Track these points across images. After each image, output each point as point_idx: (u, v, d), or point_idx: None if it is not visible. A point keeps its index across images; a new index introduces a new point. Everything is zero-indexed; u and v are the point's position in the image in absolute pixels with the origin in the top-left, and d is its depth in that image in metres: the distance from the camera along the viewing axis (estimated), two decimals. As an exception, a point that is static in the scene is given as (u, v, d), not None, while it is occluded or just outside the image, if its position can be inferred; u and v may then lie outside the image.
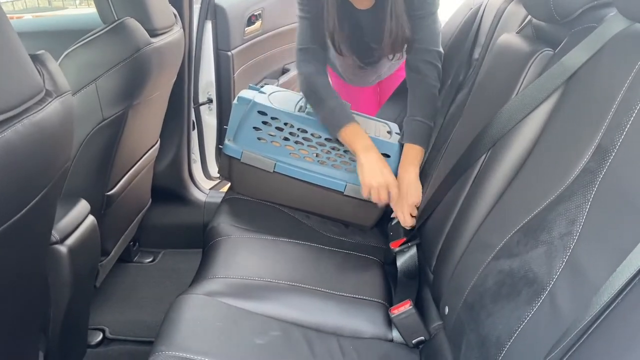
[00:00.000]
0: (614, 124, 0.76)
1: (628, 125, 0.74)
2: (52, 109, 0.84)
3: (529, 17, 1.19)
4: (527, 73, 1.00)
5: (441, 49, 1.47)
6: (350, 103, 1.48)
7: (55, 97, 0.87)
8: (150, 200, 1.87)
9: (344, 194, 1.48)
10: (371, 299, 1.19)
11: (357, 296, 1.18)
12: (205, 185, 2.14)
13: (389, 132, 1.55)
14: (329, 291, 1.19)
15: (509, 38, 1.13)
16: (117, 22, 1.26)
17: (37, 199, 0.90)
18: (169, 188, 1.97)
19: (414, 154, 1.39)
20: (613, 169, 0.74)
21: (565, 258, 0.76)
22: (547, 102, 0.94)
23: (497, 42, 1.17)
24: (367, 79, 1.93)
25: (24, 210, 0.86)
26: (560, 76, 0.92)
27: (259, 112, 1.46)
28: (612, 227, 0.71)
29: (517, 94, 1.01)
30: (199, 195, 2.03)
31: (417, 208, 1.34)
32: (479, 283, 0.93)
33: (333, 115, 1.40)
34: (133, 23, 1.29)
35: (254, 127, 1.47)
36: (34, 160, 0.84)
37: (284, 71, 2.47)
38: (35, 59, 0.87)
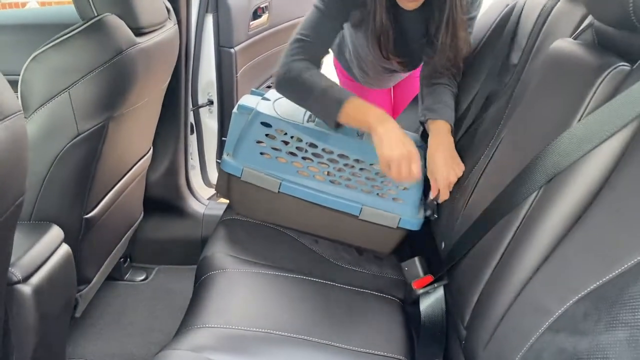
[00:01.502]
0: None
1: None
2: (-10, 137, 0.66)
3: (589, 19, 0.98)
4: (595, 93, 0.79)
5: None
6: None
7: (-3, 122, 0.68)
8: (143, 213, 1.70)
9: (359, 217, 1.29)
10: (390, 355, 1.00)
11: (372, 352, 0.99)
12: (205, 194, 1.96)
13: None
14: (339, 345, 1.00)
15: (568, 45, 0.92)
16: (95, 19, 1.08)
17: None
18: (163, 199, 1.79)
19: (441, 128, 1.26)
20: None
21: (658, 354, 0.57)
22: (621, 133, 0.74)
23: (550, 48, 0.96)
24: (389, 83, 1.77)
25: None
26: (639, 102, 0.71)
27: (262, 123, 1.27)
28: None
29: (581, 119, 0.80)
30: (196, 207, 1.85)
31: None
32: (530, 358, 0.74)
33: (327, 96, 1.17)
34: (114, 20, 1.10)
35: (256, 141, 1.28)
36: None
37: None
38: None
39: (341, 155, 1.26)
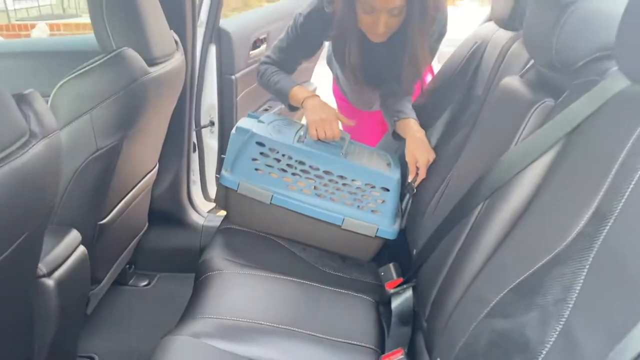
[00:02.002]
0: (613, 189, 0.73)
1: (627, 192, 0.71)
2: (35, 151, 0.83)
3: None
4: (527, 123, 0.97)
5: None
6: (357, 125, 1.56)
7: (41, 139, 0.85)
8: (147, 223, 1.86)
9: (342, 227, 1.45)
10: (363, 344, 1.15)
11: (348, 341, 1.15)
12: (204, 207, 2.12)
13: (389, 165, 1.53)
14: (320, 335, 1.15)
15: (512, 82, 1.10)
16: (114, 52, 1.25)
17: (20, 240, 0.88)
18: (166, 211, 1.95)
19: (413, 124, 1.52)
20: (610, 237, 0.71)
21: (558, 327, 0.73)
22: (546, 155, 0.91)
23: (500, 84, 1.14)
24: (372, 104, 1.95)
25: (6, 252, 0.84)
26: (560, 130, 0.88)
27: (257, 143, 1.44)
28: (608, 300, 0.68)
29: (517, 143, 0.98)
30: (196, 219, 2.01)
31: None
32: (471, 341, 0.90)
33: (281, 88, 1.57)
34: (131, 53, 1.27)
35: (251, 158, 1.45)
36: (16, 203, 0.82)
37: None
38: (21, 99, 0.85)
39: (326, 172, 1.43)
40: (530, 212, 0.91)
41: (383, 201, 1.45)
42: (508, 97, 1.08)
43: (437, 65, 1.85)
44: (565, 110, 0.89)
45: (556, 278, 0.77)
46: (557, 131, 0.90)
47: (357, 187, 1.44)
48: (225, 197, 1.50)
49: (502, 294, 0.87)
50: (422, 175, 1.48)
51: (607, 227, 0.72)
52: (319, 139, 1.46)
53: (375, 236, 1.44)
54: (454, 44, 1.69)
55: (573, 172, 0.84)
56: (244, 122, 1.52)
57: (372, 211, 1.45)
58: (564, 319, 0.73)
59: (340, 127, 1.51)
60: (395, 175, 1.46)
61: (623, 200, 0.71)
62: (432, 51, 1.57)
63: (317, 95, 1.52)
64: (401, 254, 1.46)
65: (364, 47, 1.53)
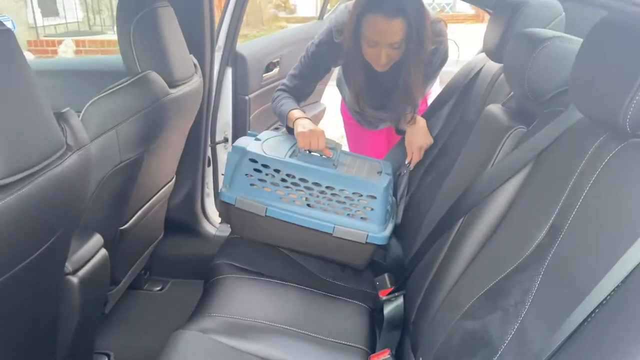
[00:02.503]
0: (566, 206, 0.84)
1: (575, 209, 0.82)
2: (70, 162, 0.96)
3: (514, 90, 1.28)
4: (502, 147, 1.08)
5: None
6: (362, 142, 1.81)
7: (75, 151, 0.99)
8: (163, 231, 1.99)
9: (333, 235, 1.54)
10: (354, 344, 1.26)
11: (340, 341, 1.26)
12: (217, 218, 2.24)
13: (379, 172, 1.62)
14: (315, 335, 1.27)
15: (494, 109, 1.22)
16: (139, 75, 1.39)
17: (52, 239, 1.01)
18: (181, 221, 2.08)
19: (418, 118, 1.72)
20: (561, 247, 0.82)
21: (516, 325, 0.83)
22: (517, 176, 1.03)
23: (484, 111, 1.26)
24: (376, 124, 2.08)
25: (40, 250, 0.97)
26: (528, 154, 1.00)
27: (250, 159, 1.54)
28: (555, 301, 0.78)
29: (493, 165, 1.09)
30: (209, 229, 2.14)
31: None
32: (447, 340, 1.01)
33: (282, 111, 1.73)
34: (154, 76, 1.42)
35: (245, 174, 1.55)
36: (53, 207, 0.95)
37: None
38: (60, 116, 0.99)
39: (315, 183, 1.53)
40: (502, 226, 1.02)
41: (371, 209, 1.53)
42: (489, 123, 1.19)
43: (439, 87, 1.99)
44: (534, 136, 1.01)
45: (517, 284, 0.88)
46: (526, 155, 1.01)
47: (346, 196, 1.53)
48: (227, 211, 1.61)
49: (473, 300, 0.98)
50: (415, 157, 1.68)
51: (559, 239, 0.83)
52: (308, 151, 1.58)
53: (366, 242, 1.53)
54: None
55: (538, 191, 0.96)
56: (240, 141, 1.64)
57: (361, 218, 1.54)
58: (520, 318, 0.84)
59: (332, 138, 1.64)
60: (382, 182, 1.54)
61: (572, 216, 0.82)
62: (431, 78, 1.70)
63: (308, 117, 1.67)
64: (398, 265, 1.57)
65: (368, 74, 1.69)
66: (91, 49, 7.27)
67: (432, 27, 1.62)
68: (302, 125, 1.61)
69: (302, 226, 1.55)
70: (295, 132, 1.62)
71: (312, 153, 1.61)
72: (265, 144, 1.62)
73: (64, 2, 7.85)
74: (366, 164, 1.67)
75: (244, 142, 1.63)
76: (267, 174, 1.55)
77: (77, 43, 7.18)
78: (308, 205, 1.56)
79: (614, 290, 0.61)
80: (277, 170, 1.54)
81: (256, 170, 1.55)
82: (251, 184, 1.56)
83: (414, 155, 1.69)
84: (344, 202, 1.54)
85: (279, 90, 1.81)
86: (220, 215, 1.72)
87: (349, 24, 1.58)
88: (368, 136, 2.13)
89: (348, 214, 1.55)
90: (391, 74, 1.67)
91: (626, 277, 0.61)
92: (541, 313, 0.80)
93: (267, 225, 1.57)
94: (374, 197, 1.51)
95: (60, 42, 6.99)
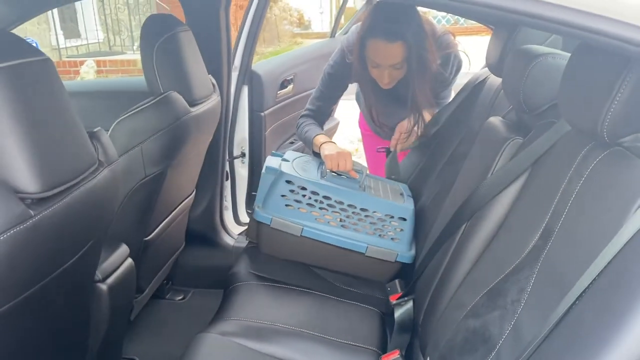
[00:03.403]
0: (557, 210, 0.91)
1: (565, 212, 0.89)
2: (102, 176, 1.06)
3: (514, 102, 1.35)
4: (500, 157, 1.15)
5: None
6: (377, 156, 1.93)
7: (106, 167, 1.08)
8: (185, 242, 2.08)
9: (366, 254, 1.60)
10: (366, 346, 1.33)
11: (354, 343, 1.33)
12: (235, 230, 2.33)
13: (402, 195, 1.71)
14: (329, 337, 1.34)
15: (494, 121, 1.29)
16: (162, 95, 1.49)
17: (85, 248, 1.10)
18: (201, 232, 2.17)
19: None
20: (552, 248, 0.89)
21: (512, 322, 0.90)
22: (515, 184, 1.10)
23: (486, 123, 1.34)
24: (390, 134, 2.17)
25: (74, 258, 1.07)
26: (525, 163, 1.07)
27: (286, 181, 1.60)
28: (545, 297, 0.85)
29: (492, 174, 1.16)
30: (228, 240, 2.23)
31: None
32: (451, 338, 1.07)
33: (308, 137, 1.85)
34: (175, 96, 1.52)
35: (281, 195, 1.61)
36: (86, 218, 1.05)
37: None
38: (92, 135, 1.09)
39: (350, 205, 1.60)
40: (502, 230, 1.09)
41: (401, 229, 1.61)
42: (489, 134, 1.27)
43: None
44: (529, 146, 1.08)
45: (514, 283, 0.95)
46: (522, 164, 1.08)
47: (378, 218, 1.61)
48: (257, 230, 1.67)
49: (476, 299, 1.05)
50: (398, 141, 1.88)
51: (551, 241, 0.90)
52: (335, 172, 1.65)
53: (395, 261, 1.59)
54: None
55: (533, 197, 1.02)
56: (270, 162, 1.69)
57: (391, 239, 1.61)
58: (516, 315, 0.90)
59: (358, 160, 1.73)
60: (410, 205, 1.63)
61: (562, 219, 0.89)
62: (448, 86, 1.85)
63: (333, 142, 1.77)
64: (408, 270, 1.63)
65: (377, 91, 1.80)
66: (112, 68, 7.49)
67: (439, 41, 1.73)
68: (329, 149, 1.70)
69: (335, 246, 1.60)
70: (322, 155, 1.70)
71: (339, 174, 1.66)
72: (295, 163, 1.68)
73: (86, 23, 8.10)
74: (388, 186, 1.74)
75: (273, 162, 1.67)
76: (303, 195, 1.60)
77: (98, 63, 7.40)
78: (342, 226, 1.61)
79: (591, 283, 0.68)
80: (314, 193, 1.59)
81: (292, 191, 1.60)
82: (287, 205, 1.61)
83: (400, 137, 1.86)
84: (376, 223, 1.61)
85: (303, 116, 1.93)
86: (247, 234, 1.76)
87: (355, 46, 1.70)
88: (382, 144, 2.21)
89: (379, 235, 1.61)
90: (399, 90, 1.76)
91: (601, 271, 0.67)
92: (534, 309, 0.87)
93: (299, 245, 1.61)
94: (404, 219, 1.58)
95: (82, 63, 7.21)
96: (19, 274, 0.89)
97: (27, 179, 0.86)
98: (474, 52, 1.92)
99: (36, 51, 0.94)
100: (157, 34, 1.51)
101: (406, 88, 1.74)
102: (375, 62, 1.66)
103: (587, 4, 0.68)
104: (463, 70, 1.88)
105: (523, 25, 1.19)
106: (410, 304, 1.43)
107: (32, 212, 0.86)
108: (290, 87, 2.44)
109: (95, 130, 1.12)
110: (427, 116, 1.84)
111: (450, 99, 1.96)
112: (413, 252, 1.61)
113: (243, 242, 2.22)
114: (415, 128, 1.84)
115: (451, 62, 1.78)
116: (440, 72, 1.76)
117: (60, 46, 7.57)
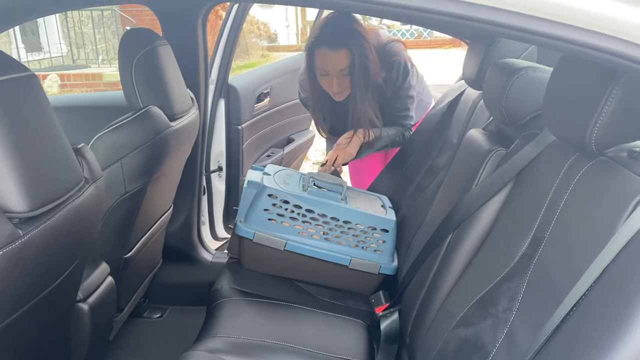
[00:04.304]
0: (545, 219, 0.94)
1: (553, 221, 0.91)
2: (88, 194, 1.03)
3: (493, 115, 1.38)
4: (484, 168, 1.18)
5: (412, 113, 1.93)
6: (360, 168, 2.00)
7: (91, 184, 1.06)
8: (162, 259, 2.04)
9: (349, 267, 1.60)
10: (353, 359, 1.33)
11: (340, 356, 1.33)
12: (212, 245, 2.31)
13: (383, 207, 1.72)
14: (316, 351, 1.33)
15: (475, 133, 1.32)
16: (142, 110, 1.47)
17: (71, 267, 1.08)
18: (179, 248, 2.14)
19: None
20: (542, 256, 0.91)
21: (505, 330, 0.92)
22: (500, 194, 1.12)
23: (466, 135, 1.37)
24: None
25: (61, 277, 1.04)
26: (509, 173, 1.10)
27: (268, 195, 1.59)
28: (538, 305, 0.87)
29: (477, 185, 1.19)
30: (205, 256, 2.20)
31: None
32: (442, 348, 1.08)
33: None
34: (156, 111, 1.50)
35: (264, 209, 1.59)
36: (73, 236, 1.02)
37: (289, 141, 2.69)
38: (77, 151, 1.07)
39: (332, 218, 1.60)
40: (489, 240, 1.11)
41: (383, 241, 1.62)
42: (471, 146, 1.30)
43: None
44: (513, 157, 1.11)
45: (505, 291, 0.97)
46: (507, 174, 1.11)
47: (361, 230, 1.61)
48: (239, 245, 1.64)
49: (466, 308, 1.06)
50: (332, 158, 1.93)
51: (540, 249, 0.92)
52: (315, 185, 1.66)
53: (379, 273, 1.60)
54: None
55: (519, 206, 1.05)
56: (252, 175, 1.68)
57: (374, 251, 1.62)
58: (509, 323, 0.92)
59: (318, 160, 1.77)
60: (392, 217, 1.64)
61: (550, 227, 0.91)
62: (403, 95, 1.89)
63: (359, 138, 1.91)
64: (391, 282, 1.64)
65: (328, 103, 1.92)
66: (76, 82, 7.34)
67: (385, 49, 1.84)
68: (348, 138, 1.89)
69: (318, 259, 1.59)
70: (337, 141, 1.91)
71: (320, 188, 1.66)
72: (276, 177, 1.67)
73: (48, 37, 7.94)
74: (368, 198, 1.74)
75: (255, 176, 1.66)
76: (286, 209, 1.59)
77: (62, 77, 7.24)
78: (325, 239, 1.61)
79: (587, 291, 0.70)
80: (297, 206, 1.59)
81: (274, 205, 1.59)
82: (269, 219, 1.59)
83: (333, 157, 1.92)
84: (359, 236, 1.61)
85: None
86: (229, 250, 1.73)
87: (306, 58, 1.82)
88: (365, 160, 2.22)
89: (362, 247, 1.61)
90: (347, 105, 1.85)
91: (596, 279, 0.69)
92: (527, 317, 0.88)
93: (283, 259, 1.60)
94: (387, 231, 1.59)
95: (45, 77, 7.04)
96: (9, 294, 0.86)
97: (15, 199, 0.83)
98: (437, 65, 1.99)
99: (21, 66, 0.92)
100: (135, 48, 1.50)
101: (354, 104, 1.82)
102: (324, 70, 1.78)
103: (570, 18, 0.69)
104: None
105: (505, 37, 1.22)
106: (396, 315, 1.44)
107: (20, 232, 0.84)
108: (266, 100, 2.44)
109: (79, 146, 1.09)
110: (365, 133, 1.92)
111: (414, 114, 2.00)
112: (396, 263, 1.62)
113: (220, 258, 2.20)
114: (356, 138, 1.91)
115: (395, 69, 1.85)
116: (389, 79, 1.84)
117: (22, 60, 7.38)
